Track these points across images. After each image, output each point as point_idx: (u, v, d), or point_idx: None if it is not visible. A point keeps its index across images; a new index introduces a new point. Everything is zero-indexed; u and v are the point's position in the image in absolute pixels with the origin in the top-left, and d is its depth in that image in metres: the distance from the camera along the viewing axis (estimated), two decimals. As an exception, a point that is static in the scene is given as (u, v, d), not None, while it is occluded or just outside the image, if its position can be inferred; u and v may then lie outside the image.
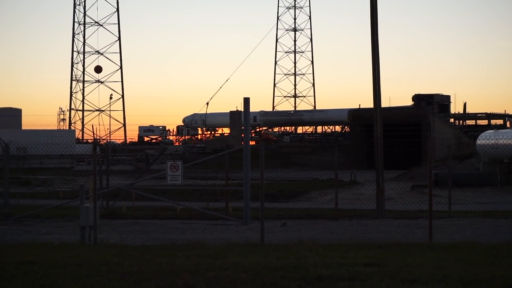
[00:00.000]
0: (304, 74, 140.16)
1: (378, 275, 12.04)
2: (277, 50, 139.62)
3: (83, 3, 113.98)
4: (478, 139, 51.21)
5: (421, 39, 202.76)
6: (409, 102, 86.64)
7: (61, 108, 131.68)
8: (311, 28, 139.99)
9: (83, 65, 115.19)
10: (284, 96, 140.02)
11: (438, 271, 12.41)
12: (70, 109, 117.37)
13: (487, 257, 14.36)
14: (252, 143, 69.40)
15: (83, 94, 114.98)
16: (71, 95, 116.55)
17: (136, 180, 30.40)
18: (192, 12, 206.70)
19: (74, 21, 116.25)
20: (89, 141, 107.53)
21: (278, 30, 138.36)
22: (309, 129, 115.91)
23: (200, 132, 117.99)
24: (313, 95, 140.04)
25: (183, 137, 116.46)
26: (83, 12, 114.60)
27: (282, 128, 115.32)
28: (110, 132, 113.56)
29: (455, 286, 11.18)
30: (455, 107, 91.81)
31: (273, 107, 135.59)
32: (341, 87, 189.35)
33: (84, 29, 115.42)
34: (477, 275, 12.01)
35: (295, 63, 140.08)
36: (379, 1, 29.26)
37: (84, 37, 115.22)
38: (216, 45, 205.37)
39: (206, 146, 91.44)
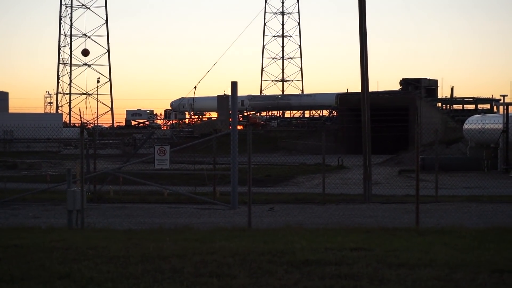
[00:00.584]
0: (292, 58, 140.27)
1: (365, 260, 12.09)
2: (265, 34, 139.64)
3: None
4: (465, 124, 51.38)
5: (408, 23, 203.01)
6: (397, 87, 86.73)
7: (48, 92, 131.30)
8: (299, 12, 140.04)
9: (70, 48, 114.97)
10: (272, 80, 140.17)
11: (425, 256, 12.47)
12: (57, 92, 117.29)
13: (473, 241, 14.44)
14: (239, 127, 69.32)
15: (70, 77, 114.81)
16: (58, 79, 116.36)
17: (124, 164, 30.33)
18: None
19: (61, 4, 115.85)
20: (76, 124, 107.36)
21: (266, 13, 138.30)
22: (296, 113, 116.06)
23: (187, 116, 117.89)
24: (301, 79, 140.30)
25: (171, 121, 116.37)
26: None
27: (270, 112, 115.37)
28: (97, 115, 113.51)
29: (441, 271, 11.24)
30: (443, 92, 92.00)
31: (261, 91, 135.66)
32: (329, 71, 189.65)
33: (71, 11, 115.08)
34: (464, 260, 12.08)
35: (283, 47, 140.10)
36: (367, -14, 29.19)
37: (71, 20, 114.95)
38: (204, 28, 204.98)
39: (194, 130, 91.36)
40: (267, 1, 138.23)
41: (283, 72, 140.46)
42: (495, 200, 26.62)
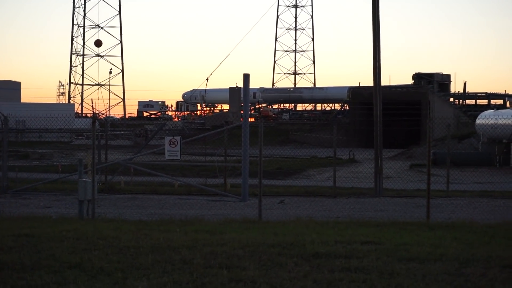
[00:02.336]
0: (304, 51, 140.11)
1: (375, 253, 12.06)
2: (278, 26, 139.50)
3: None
4: (477, 119, 51.21)
5: (422, 17, 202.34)
6: (409, 81, 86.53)
7: (61, 82, 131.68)
8: (312, 5, 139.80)
9: (83, 39, 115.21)
10: (284, 73, 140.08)
11: (435, 250, 12.44)
12: (70, 83, 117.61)
13: (484, 236, 14.39)
14: (251, 119, 69.30)
15: (82, 68, 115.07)
16: (70, 69, 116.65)
17: (135, 155, 30.39)
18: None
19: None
20: (88, 115, 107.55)
21: (279, 6, 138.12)
22: (308, 106, 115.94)
23: (199, 108, 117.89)
24: (313, 72, 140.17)
25: (182, 113, 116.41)
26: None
27: (282, 105, 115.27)
28: (109, 106, 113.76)
29: (451, 265, 11.21)
30: (455, 87, 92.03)
31: (273, 84, 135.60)
32: (341, 64, 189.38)
33: (85, 2, 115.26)
34: (474, 255, 12.04)
35: (295, 40, 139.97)
36: (381, -21, 29.10)
37: (84, 10, 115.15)
38: (217, 20, 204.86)
39: (205, 122, 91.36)
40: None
41: (295, 65, 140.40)
42: (507, 196, 26.53)
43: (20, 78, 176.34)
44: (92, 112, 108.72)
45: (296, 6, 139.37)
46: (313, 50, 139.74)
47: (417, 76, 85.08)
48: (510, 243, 13.54)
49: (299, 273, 10.62)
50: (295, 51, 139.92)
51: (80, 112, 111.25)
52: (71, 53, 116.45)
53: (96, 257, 11.61)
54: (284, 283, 9.97)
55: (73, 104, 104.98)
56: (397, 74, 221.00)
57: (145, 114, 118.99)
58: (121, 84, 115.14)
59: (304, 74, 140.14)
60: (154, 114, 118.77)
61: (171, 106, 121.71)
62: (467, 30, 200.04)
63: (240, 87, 71.12)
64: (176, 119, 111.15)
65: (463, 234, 14.84)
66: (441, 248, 12.66)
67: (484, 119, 48.93)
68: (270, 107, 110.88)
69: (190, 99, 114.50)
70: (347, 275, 10.51)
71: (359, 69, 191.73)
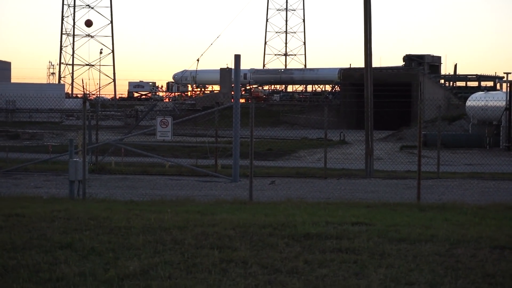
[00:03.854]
0: (295, 32, 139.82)
1: (366, 234, 12.08)
2: (269, 7, 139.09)
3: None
4: (468, 101, 51.30)
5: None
6: (400, 62, 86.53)
7: (51, 62, 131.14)
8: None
9: (74, 19, 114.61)
10: (275, 54, 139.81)
11: (426, 231, 12.46)
12: (60, 63, 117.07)
13: (474, 217, 14.43)
14: (242, 101, 69.15)
15: (73, 48, 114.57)
16: (61, 49, 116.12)
17: (126, 136, 30.34)
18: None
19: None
20: (79, 95, 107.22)
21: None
22: (299, 87, 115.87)
23: (190, 89, 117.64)
24: (304, 53, 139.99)
25: (173, 94, 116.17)
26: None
27: (272, 86, 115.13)
28: (99, 87, 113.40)
29: (442, 246, 11.24)
30: (446, 68, 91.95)
31: (264, 65, 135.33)
32: (332, 46, 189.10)
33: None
34: (464, 235, 12.07)
35: (286, 21, 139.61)
36: (373, -40, 29.00)
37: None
38: (208, 1, 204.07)
39: (196, 103, 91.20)
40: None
41: (286, 46, 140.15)
42: (497, 178, 26.64)
43: (10, 58, 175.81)
44: (82, 93, 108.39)
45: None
46: (304, 31, 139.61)
47: (407, 58, 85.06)
48: (500, 224, 13.59)
49: (290, 253, 10.63)
50: (286, 32, 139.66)
51: (70, 92, 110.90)
52: (61, 33, 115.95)
53: (87, 237, 11.60)
54: (275, 264, 9.98)
55: (64, 85, 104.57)
56: (388, 56, 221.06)
57: (136, 94, 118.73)
58: (112, 64, 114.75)
59: (295, 55, 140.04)
60: (145, 94, 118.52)
61: (162, 86, 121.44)
62: (458, 12, 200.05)
63: (231, 68, 70.95)
64: (167, 100, 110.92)
65: (453, 215, 14.88)
66: (432, 229, 12.69)
67: (475, 101, 49.01)
68: (261, 88, 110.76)
69: (181, 80, 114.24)
70: (338, 255, 10.53)
71: (350, 50, 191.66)
